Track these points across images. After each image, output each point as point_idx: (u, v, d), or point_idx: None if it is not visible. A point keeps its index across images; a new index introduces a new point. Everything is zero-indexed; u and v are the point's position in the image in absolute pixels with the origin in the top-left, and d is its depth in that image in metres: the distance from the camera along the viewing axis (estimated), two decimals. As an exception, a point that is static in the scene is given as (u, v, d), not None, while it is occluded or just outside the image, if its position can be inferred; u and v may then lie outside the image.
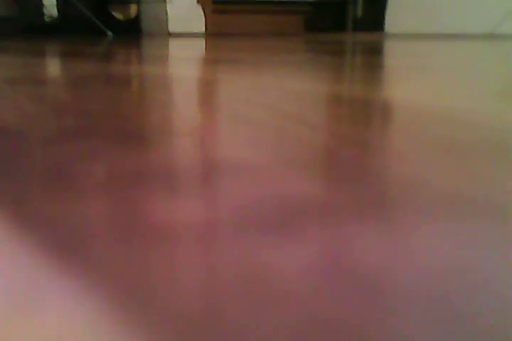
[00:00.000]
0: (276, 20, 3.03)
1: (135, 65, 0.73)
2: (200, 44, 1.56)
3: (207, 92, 0.42)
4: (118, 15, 2.84)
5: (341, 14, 2.83)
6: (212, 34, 2.84)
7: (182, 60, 0.74)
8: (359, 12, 2.55)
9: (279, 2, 2.96)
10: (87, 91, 0.46)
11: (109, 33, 2.51)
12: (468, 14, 1.90)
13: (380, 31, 2.26)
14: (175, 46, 1.44)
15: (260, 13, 2.98)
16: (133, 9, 2.86)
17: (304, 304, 0.12)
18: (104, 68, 0.68)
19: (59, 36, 2.69)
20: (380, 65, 0.63)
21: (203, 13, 2.84)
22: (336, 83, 0.45)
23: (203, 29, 2.86)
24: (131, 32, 2.87)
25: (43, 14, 3.01)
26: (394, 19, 2.08)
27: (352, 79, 0.49)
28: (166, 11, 2.75)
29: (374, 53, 0.95)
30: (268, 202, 0.17)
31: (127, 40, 2.01)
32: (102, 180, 0.20)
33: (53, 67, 0.73)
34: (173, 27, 2.78)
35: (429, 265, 0.14)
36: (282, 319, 0.11)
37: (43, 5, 3.00)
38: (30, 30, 2.90)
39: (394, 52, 0.99)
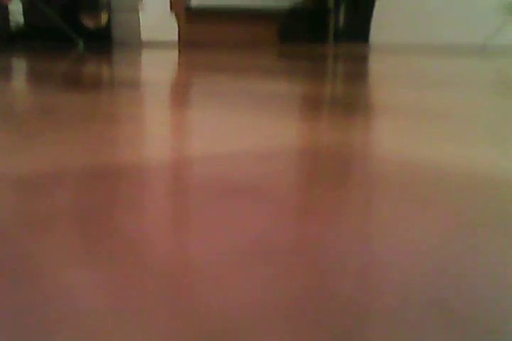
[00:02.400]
0: (251, 29, 2.95)
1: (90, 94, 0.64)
2: (173, 60, 1.47)
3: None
4: (88, 23, 2.73)
5: (320, 23, 2.77)
6: (186, 43, 2.75)
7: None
8: (341, 21, 2.48)
9: (253, 10, 2.88)
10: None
11: (80, 43, 2.41)
12: (459, 25, 1.85)
13: (363, 42, 2.19)
14: (145, 64, 1.35)
15: (234, 21, 2.91)
16: (104, 17, 2.75)
17: None
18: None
19: (25, 45, 2.58)
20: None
21: (176, 22, 2.75)
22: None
23: (176, 38, 2.77)
24: (102, 41, 2.77)
25: (8, 21, 2.89)
26: (380, 29, 2.01)
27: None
28: (139, 19, 2.65)
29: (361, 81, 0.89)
30: None
31: (96, 52, 1.92)
32: None
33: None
34: (145, 36, 2.68)
35: None
36: None
37: (8, 12, 2.89)
38: (-4, 38, 2.77)
39: (391, 75, 0.93)
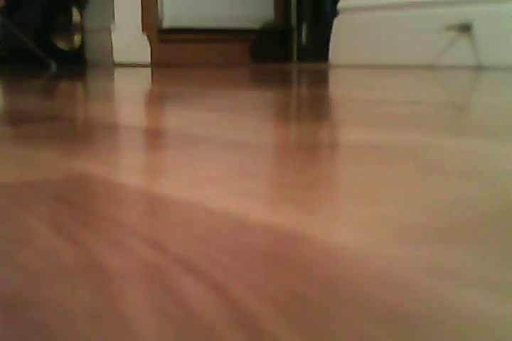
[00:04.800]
0: (223, 49, 3.02)
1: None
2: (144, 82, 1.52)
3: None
4: (62, 45, 2.79)
5: (287, 43, 2.83)
6: (158, 64, 2.81)
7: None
8: (304, 40, 2.54)
9: (224, 30, 2.95)
10: None
11: (53, 65, 2.46)
12: (409, 46, 1.91)
13: (325, 61, 2.25)
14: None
15: (207, 42, 2.97)
16: (77, 39, 2.82)
17: None
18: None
19: (1, 68, 2.63)
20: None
21: (148, 43, 2.81)
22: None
23: (149, 59, 2.83)
24: (76, 62, 2.83)
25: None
26: (337, 49, 2.08)
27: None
28: (111, 40, 2.71)
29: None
30: None
31: (67, 74, 1.97)
32: None
33: None
34: (118, 57, 2.74)
35: None
36: None
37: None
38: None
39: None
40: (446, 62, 1.83)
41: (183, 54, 2.95)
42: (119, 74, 1.93)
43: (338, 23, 2.08)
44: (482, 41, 1.74)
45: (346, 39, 2.05)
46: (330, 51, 2.11)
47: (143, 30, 2.80)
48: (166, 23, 2.84)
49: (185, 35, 2.90)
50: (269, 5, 2.98)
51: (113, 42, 2.72)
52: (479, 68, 1.72)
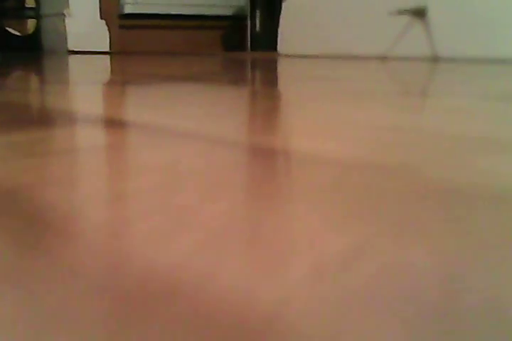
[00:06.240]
0: (190, 37, 2.81)
1: None
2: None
3: None
4: (13, 30, 2.60)
5: (242, 31, 2.61)
6: (118, 53, 2.61)
7: None
8: (258, 29, 2.32)
9: (192, 16, 2.74)
10: None
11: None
12: (361, 36, 1.68)
13: (274, 50, 2.02)
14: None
15: (173, 28, 2.77)
16: (30, 24, 2.62)
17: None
18: None
19: None
20: None
21: (107, 29, 2.61)
22: None
23: (108, 47, 2.63)
24: (31, 49, 2.64)
25: None
26: (286, 38, 1.85)
27: None
28: (65, 26, 2.52)
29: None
30: None
31: (11, 63, 1.79)
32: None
33: None
34: (73, 44, 2.54)
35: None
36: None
37: None
38: None
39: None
40: (399, 53, 1.60)
41: (146, 41, 2.74)
42: (69, 63, 1.74)
43: (286, 9, 1.86)
44: (437, 29, 1.50)
45: (294, 26, 1.82)
46: (278, 40, 1.89)
47: (101, 16, 2.60)
48: (128, 8, 2.63)
49: (149, 20, 2.70)
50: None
51: (67, 28, 2.52)
52: (435, 59, 1.50)
